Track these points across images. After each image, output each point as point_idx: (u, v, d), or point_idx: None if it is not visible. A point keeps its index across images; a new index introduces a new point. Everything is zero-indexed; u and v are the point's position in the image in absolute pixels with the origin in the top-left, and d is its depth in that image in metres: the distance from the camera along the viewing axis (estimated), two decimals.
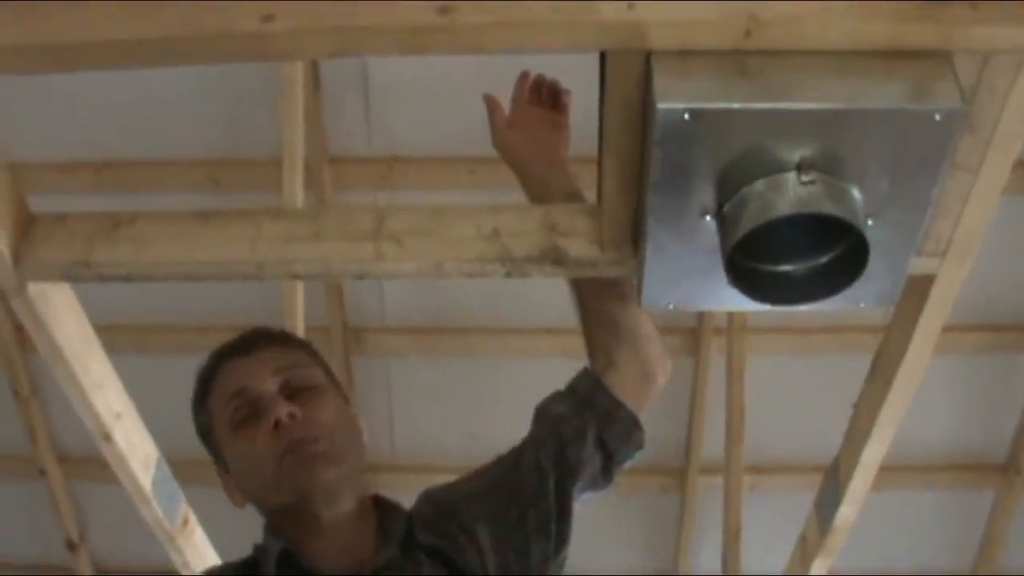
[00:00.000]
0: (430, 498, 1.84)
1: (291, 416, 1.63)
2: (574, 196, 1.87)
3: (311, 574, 1.63)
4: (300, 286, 3.75)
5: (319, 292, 4.39)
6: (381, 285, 4.51)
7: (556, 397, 1.93)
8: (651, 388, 1.90)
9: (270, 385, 1.68)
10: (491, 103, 2.02)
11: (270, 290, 3.94)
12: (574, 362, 4.45)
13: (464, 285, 4.56)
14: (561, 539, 1.78)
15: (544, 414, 1.90)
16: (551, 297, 3.96)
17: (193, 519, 3.00)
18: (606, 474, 1.85)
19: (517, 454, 1.86)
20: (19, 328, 4.84)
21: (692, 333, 4.71)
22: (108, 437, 2.37)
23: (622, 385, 1.87)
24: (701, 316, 4.58)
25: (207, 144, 4.31)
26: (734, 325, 4.33)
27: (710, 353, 4.65)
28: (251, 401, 1.67)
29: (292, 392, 1.68)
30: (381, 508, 1.75)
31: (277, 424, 1.63)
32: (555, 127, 1.97)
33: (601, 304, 1.87)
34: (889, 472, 4.54)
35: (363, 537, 1.68)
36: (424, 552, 1.69)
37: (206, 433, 1.77)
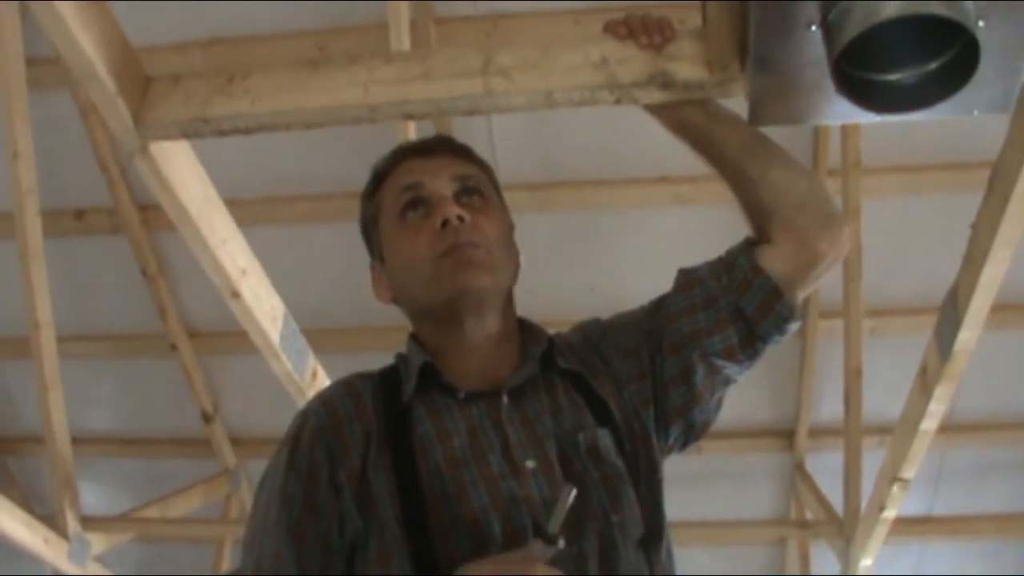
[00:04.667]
0: (580, 327, 1.86)
1: (460, 219, 1.66)
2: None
3: (450, 387, 1.63)
4: None
5: None
6: (493, 140, 4.51)
7: (708, 262, 1.81)
8: (810, 259, 1.72)
9: (446, 187, 1.71)
10: None
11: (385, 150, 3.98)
12: (689, 210, 4.45)
13: (576, 137, 4.55)
14: (680, 405, 1.73)
15: (685, 272, 1.81)
16: (663, 145, 3.93)
17: (322, 373, 3.08)
18: (747, 349, 1.73)
19: (657, 301, 1.82)
20: (143, 208, 4.98)
21: None
22: (236, 293, 2.45)
23: (771, 254, 1.72)
24: (815, 155, 4.52)
25: (312, 14, 4.34)
26: (848, 162, 4.26)
27: None
28: (424, 198, 1.71)
29: (465, 200, 1.71)
30: (525, 331, 1.77)
31: (445, 223, 1.66)
32: None
33: (744, 173, 1.74)
34: (1013, 312, 4.52)
35: (505, 357, 1.70)
36: (561, 375, 1.70)
37: (370, 223, 1.81)
